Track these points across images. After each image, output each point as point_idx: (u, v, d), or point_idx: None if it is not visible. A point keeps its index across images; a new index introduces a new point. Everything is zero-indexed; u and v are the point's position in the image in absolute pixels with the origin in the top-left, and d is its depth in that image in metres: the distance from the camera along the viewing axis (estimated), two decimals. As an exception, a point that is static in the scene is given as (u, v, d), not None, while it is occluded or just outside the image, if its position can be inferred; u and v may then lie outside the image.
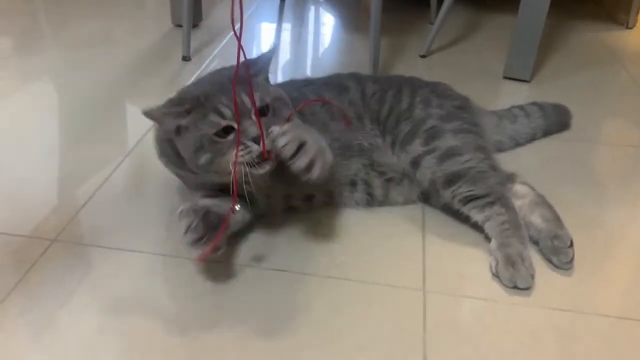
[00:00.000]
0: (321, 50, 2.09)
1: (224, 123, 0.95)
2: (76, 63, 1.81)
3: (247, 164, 0.94)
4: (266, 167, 0.96)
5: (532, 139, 1.44)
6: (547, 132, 1.47)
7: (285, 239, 1.10)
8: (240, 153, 0.94)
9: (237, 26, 0.88)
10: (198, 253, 0.95)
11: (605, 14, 2.42)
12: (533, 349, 0.90)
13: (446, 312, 0.96)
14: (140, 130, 1.38)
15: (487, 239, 1.09)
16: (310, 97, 1.21)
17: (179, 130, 0.99)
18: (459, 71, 1.87)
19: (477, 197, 1.09)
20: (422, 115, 1.19)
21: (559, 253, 1.05)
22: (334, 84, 1.27)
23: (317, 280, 1.01)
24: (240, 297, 0.97)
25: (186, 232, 0.94)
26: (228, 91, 0.94)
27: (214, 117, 0.95)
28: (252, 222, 1.11)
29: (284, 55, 2.01)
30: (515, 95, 1.72)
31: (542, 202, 1.13)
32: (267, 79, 1.07)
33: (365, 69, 1.70)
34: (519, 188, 1.15)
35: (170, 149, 1.04)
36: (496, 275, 1.02)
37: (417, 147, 1.15)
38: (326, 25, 2.33)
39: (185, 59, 1.83)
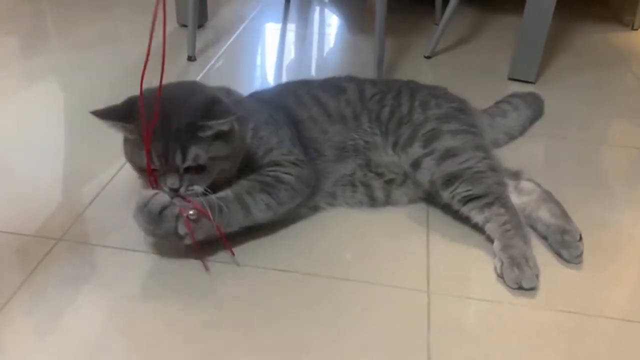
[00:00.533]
0: (326, 50, 2.09)
1: (152, 166, 0.98)
2: (81, 63, 1.82)
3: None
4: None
5: (524, 130, 1.47)
6: (532, 121, 1.52)
7: (289, 239, 1.10)
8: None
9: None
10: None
11: (611, 15, 2.41)
12: (538, 351, 0.90)
13: (450, 313, 0.96)
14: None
15: (489, 239, 1.09)
16: (305, 99, 1.23)
17: (125, 138, 1.03)
18: (463, 72, 1.87)
19: (475, 197, 1.10)
20: (421, 118, 1.20)
21: (569, 247, 1.06)
22: (331, 84, 1.28)
23: (321, 281, 1.01)
24: (243, 297, 0.97)
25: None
26: (170, 140, 0.95)
27: (140, 155, 0.98)
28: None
29: (289, 55, 2.01)
30: (520, 96, 1.71)
31: (549, 198, 1.14)
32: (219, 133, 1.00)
33: (370, 70, 1.70)
34: (525, 184, 1.16)
35: None
36: (501, 276, 1.02)
37: (416, 149, 1.16)
38: (331, 26, 2.33)
39: (191, 59, 1.84)
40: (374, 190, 1.19)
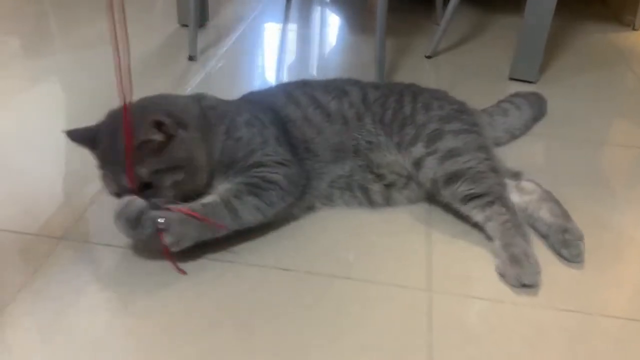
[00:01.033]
0: (327, 50, 2.09)
1: (112, 192, 1.04)
2: (83, 63, 1.82)
3: None
4: None
5: (525, 129, 1.48)
6: (535, 120, 1.52)
7: (289, 238, 1.11)
8: None
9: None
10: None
11: (612, 15, 2.41)
12: (539, 350, 0.90)
13: (452, 312, 0.96)
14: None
15: (490, 239, 1.09)
16: (300, 99, 1.23)
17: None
18: (464, 72, 1.87)
19: (476, 196, 1.10)
20: (424, 119, 1.21)
21: (570, 246, 1.06)
22: (334, 87, 1.28)
23: (322, 280, 1.01)
24: (244, 296, 0.97)
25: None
26: (115, 164, 1.00)
27: (104, 183, 1.04)
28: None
29: (290, 55, 2.02)
30: (521, 96, 1.72)
31: (549, 197, 1.14)
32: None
33: (371, 70, 1.71)
34: (526, 184, 1.17)
35: None
36: (502, 275, 1.02)
37: (420, 149, 1.16)
38: (332, 26, 2.33)
39: (192, 58, 1.84)
40: (373, 194, 1.19)
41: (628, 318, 0.96)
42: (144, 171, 0.99)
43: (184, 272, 1.00)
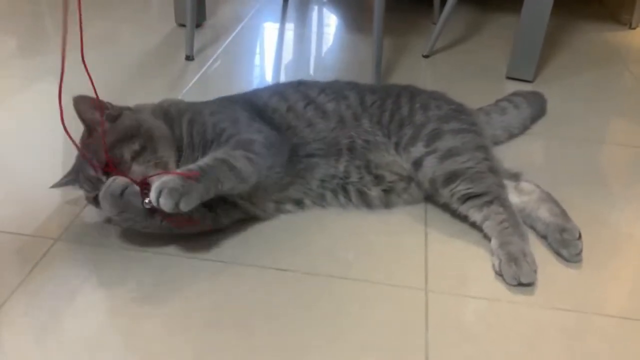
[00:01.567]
0: (324, 50, 2.09)
1: (92, 195, 1.05)
2: (80, 63, 1.81)
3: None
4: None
5: (524, 128, 1.48)
6: (533, 119, 1.52)
7: (287, 239, 1.10)
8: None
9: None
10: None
11: (609, 14, 2.42)
12: (537, 349, 0.90)
13: (449, 311, 0.96)
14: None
15: (488, 238, 1.09)
16: (289, 95, 1.23)
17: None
18: (461, 71, 1.87)
19: (475, 196, 1.10)
20: (423, 119, 1.21)
21: (569, 245, 1.06)
22: (332, 90, 1.27)
23: (320, 280, 1.01)
24: (242, 297, 0.97)
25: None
26: (83, 165, 1.05)
27: (85, 192, 1.07)
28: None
29: (287, 55, 2.01)
30: (518, 95, 1.72)
31: (548, 198, 1.14)
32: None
33: (368, 69, 1.70)
34: (524, 185, 1.17)
35: None
36: (500, 274, 1.02)
37: (419, 148, 1.16)
38: (329, 25, 2.33)
39: (189, 58, 1.84)
40: (371, 199, 1.18)
41: (625, 317, 0.96)
42: (100, 154, 1.02)
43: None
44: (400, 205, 1.20)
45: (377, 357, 0.87)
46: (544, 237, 1.11)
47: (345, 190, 1.18)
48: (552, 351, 0.90)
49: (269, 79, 1.83)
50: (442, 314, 0.95)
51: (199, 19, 2.09)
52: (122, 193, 0.98)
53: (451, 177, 1.12)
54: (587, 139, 1.50)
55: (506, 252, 1.02)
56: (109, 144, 1.02)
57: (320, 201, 1.19)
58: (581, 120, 1.58)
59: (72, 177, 1.09)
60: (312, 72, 1.89)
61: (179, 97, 1.52)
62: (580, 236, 1.06)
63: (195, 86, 1.68)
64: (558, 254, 1.07)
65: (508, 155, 1.32)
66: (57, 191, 1.22)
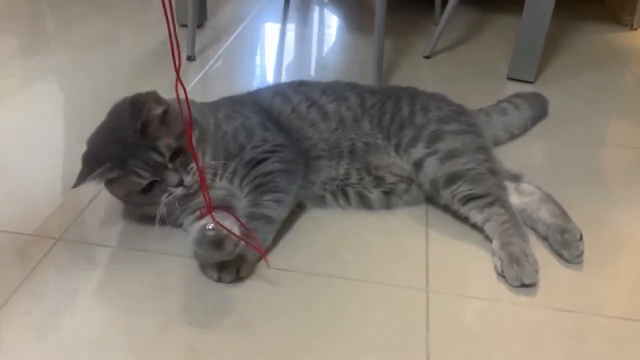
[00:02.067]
0: (325, 50, 2.09)
1: (145, 182, 1.01)
2: (81, 63, 1.82)
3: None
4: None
5: (524, 129, 1.48)
6: (535, 121, 1.52)
7: (287, 239, 1.10)
8: (166, 200, 1.02)
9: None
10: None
11: (610, 15, 2.41)
12: (537, 350, 0.90)
13: (449, 312, 0.96)
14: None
15: (489, 239, 1.09)
16: (291, 95, 1.24)
17: (109, 181, 1.04)
18: (462, 72, 1.87)
19: (476, 197, 1.10)
20: (423, 121, 1.21)
21: (570, 246, 1.06)
22: (332, 91, 1.27)
23: (320, 280, 1.01)
24: (243, 297, 0.97)
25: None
26: (138, 151, 0.99)
27: (135, 179, 1.01)
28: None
29: (288, 55, 2.01)
30: (519, 96, 1.72)
31: (549, 199, 1.14)
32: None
33: (369, 70, 1.70)
34: (525, 186, 1.17)
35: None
36: (502, 275, 1.02)
37: (420, 149, 1.16)
38: (330, 26, 2.33)
39: (190, 58, 1.84)
40: (372, 201, 1.18)
41: (625, 318, 0.96)
42: (170, 140, 1.00)
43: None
44: (401, 206, 1.20)
45: (377, 358, 0.87)
46: (544, 239, 1.11)
47: (344, 193, 1.18)
48: (552, 352, 0.90)
49: (270, 79, 1.83)
50: (443, 314, 0.95)
51: (200, 19, 2.09)
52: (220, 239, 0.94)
53: (452, 179, 1.12)
54: (588, 140, 1.50)
55: (508, 253, 1.02)
56: (175, 133, 1.01)
57: (319, 203, 1.19)
58: (582, 121, 1.58)
59: (109, 166, 1.00)
60: (313, 72, 1.89)
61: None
62: (581, 237, 1.06)
63: (197, 86, 1.68)
64: (559, 255, 1.07)
65: (509, 156, 1.32)
66: (58, 191, 1.22)
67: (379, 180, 1.18)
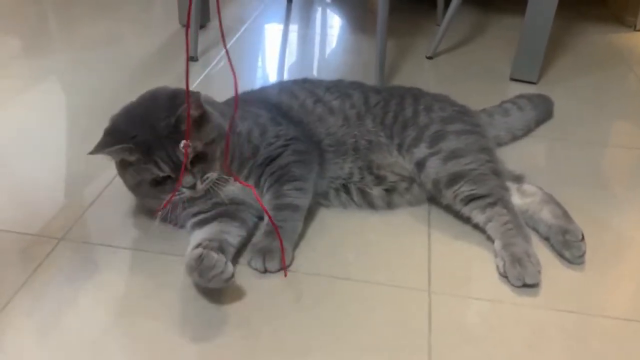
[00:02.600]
0: (328, 51, 2.09)
1: (161, 175, 1.01)
2: (84, 63, 1.82)
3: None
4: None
5: (528, 130, 1.48)
6: (538, 122, 1.52)
7: (291, 239, 1.10)
8: (174, 198, 1.03)
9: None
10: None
11: (613, 16, 2.41)
12: (539, 351, 0.90)
13: (452, 313, 0.96)
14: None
15: (490, 239, 1.09)
16: (297, 92, 1.25)
17: (122, 162, 1.04)
18: (465, 72, 1.87)
19: (478, 197, 1.10)
20: (426, 121, 1.21)
21: (571, 247, 1.06)
22: (336, 88, 1.28)
23: (322, 280, 1.01)
24: (245, 297, 0.97)
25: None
26: (165, 144, 0.99)
27: (153, 169, 1.00)
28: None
29: (291, 56, 2.02)
30: (522, 96, 1.71)
31: (550, 200, 1.14)
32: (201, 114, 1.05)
33: (372, 70, 1.70)
34: (527, 187, 1.17)
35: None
36: (504, 275, 1.02)
37: (422, 149, 1.17)
38: (333, 27, 2.33)
39: (193, 59, 1.84)
40: (373, 198, 1.18)
41: (628, 319, 0.96)
42: (197, 143, 1.01)
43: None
44: (403, 206, 1.20)
45: (378, 358, 0.87)
46: (546, 239, 1.10)
47: (346, 189, 1.18)
48: (555, 353, 0.90)
49: (272, 80, 1.83)
50: (445, 315, 0.95)
51: (203, 20, 2.09)
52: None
53: (454, 179, 1.12)
54: (591, 141, 1.49)
55: (510, 254, 1.02)
56: (205, 140, 1.03)
57: (322, 199, 1.19)
58: (585, 122, 1.58)
59: (131, 147, 0.99)
60: (315, 73, 1.89)
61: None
62: (583, 238, 1.06)
63: (199, 87, 1.68)
64: (561, 255, 1.07)
65: (511, 157, 1.32)
66: (61, 191, 1.23)
67: (380, 179, 1.19)
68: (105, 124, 1.03)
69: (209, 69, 1.80)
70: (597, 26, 2.30)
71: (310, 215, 1.16)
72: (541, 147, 1.46)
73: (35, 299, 0.95)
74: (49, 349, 0.87)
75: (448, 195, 1.13)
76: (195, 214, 1.07)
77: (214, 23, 2.16)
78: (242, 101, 1.23)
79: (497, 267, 1.04)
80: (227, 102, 1.24)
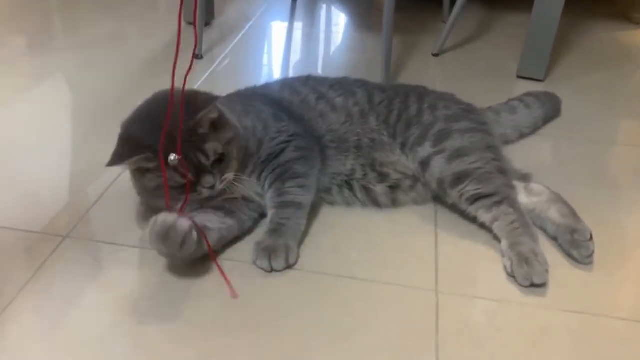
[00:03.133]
0: (333, 49, 2.09)
1: (185, 180, 1.00)
2: (89, 61, 1.82)
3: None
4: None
5: (535, 128, 1.47)
6: (546, 120, 1.51)
7: (296, 238, 1.10)
8: (194, 197, 1.02)
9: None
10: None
11: (620, 14, 2.40)
12: (546, 351, 0.89)
13: (459, 313, 0.95)
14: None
15: (497, 239, 1.08)
16: (299, 88, 1.25)
17: (139, 168, 1.02)
18: (471, 70, 1.86)
19: (484, 196, 1.09)
20: (431, 119, 1.20)
21: (580, 247, 1.05)
22: (340, 86, 1.28)
23: (327, 279, 1.01)
24: (249, 296, 0.97)
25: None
26: (185, 149, 0.97)
27: (175, 176, 0.99)
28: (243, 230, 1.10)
29: (295, 54, 2.01)
30: (528, 94, 1.70)
31: (558, 199, 1.13)
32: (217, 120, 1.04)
33: (377, 68, 1.70)
34: (534, 186, 1.16)
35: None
36: (512, 275, 1.01)
37: (427, 148, 1.16)
38: (338, 24, 2.32)
39: (198, 57, 1.84)
40: (377, 195, 1.18)
41: (636, 320, 0.95)
42: (217, 145, 1.01)
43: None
44: (408, 204, 1.19)
45: (384, 358, 0.87)
46: (554, 239, 1.10)
47: (350, 186, 1.18)
48: (562, 353, 0.89)
49: (277, 77, 1.82)
50: (453, 315, 0.94)
51: (208, 18, 2.09)
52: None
53: (460, 178, 1.11)
54: (598, 139, 1.48)
55: (517, 253, 1.01)
56: (224, 141, 1.03)
57: (325, 195, 1.18)
58: (592, 120, 1.57)
59: (150, 156, 0.97)
60: (320, 71, 1.88)
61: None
62: (591, 237, 1.05)
63: (204, 84, 1.68)
64: (569, 255, 1.06)
65: (517, 155, 1.31)
66: (66, 189, 1.22)
67: (383, 176, 1.18)
68: (109, 122, 1.03)
69: (214, 66, 1.80)
70: (604, 24, 2.29)
71: (314, 212, 1.15)
72: (547, 146, 1.45)
73: (39, 296, 0.95)
74: (53, 347, 0.87)
75: (453, 195, 1.12)
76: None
77: (218, 21, 2.16)
78: (245, 96, 1.24)
79: (505, 267, 1.03)
80: (229, 97, 1.24)
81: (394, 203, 1.19)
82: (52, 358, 0.85)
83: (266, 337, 0.89)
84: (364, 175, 1.18)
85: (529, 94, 1.50)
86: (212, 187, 1.02)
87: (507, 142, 1.38)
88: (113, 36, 2.04)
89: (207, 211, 1.05)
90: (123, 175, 1.24)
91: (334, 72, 1.39)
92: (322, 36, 2.18)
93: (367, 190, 1.18)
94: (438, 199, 1.19)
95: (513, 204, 1.09)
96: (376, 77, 1.65)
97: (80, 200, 1.18)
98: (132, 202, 1.16)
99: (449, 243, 1.10)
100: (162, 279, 1.00)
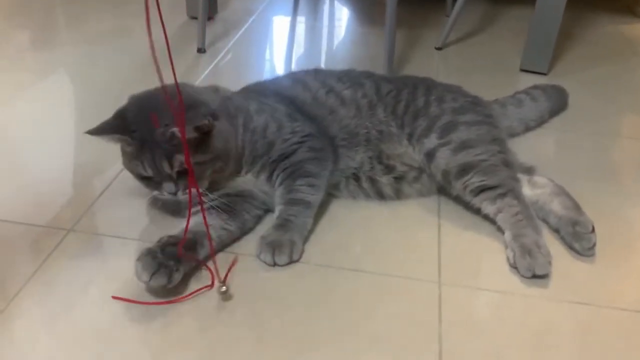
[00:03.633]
0: (336, 43, 2.08)
1: (144, 174, 1.02)
2: (92, 56, 1.82)
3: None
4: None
5: (541, 121, 1.46)
6: (552, 113, 1.50)
7: (300, 231, 1.10)
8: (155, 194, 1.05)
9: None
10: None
11: (624, 7, 2.38)
12: (548, 342, 0.89)
13: (462, 304, 0.96)
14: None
15: (500, 230, 1.08)
16: (309, 83, 1.24)
17: (122, 148, 1.05)
18: (475, 63, 1.86)
19: (488, 188, 1.10)
20: (437, 111, 1.20)
21: (581, 239, 1.05)
22: (348, 78, 1.28)
23: (332, 272, 1.01)
24: (254, 288, 0.97)
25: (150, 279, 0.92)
26: (155, 150, 0.98)
27: (139, 167, 1.01)
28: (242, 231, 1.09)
29: (298, 48, 2.01)
30: (532, 88, 1.70)
31: (561, 191, 1.13)
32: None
33: (381, 62, 1.70)
34: (538, 179, 1.16)
35: None
36: (514, 266, 1.01)
37: (433, 140, 1.16)
38: (341, 19, 2.32)
39: (201, 51, 1.84)
40: (382, 186, 1.18)
41: (638, 310, 0.95)
42: (184, 160, 0.98)
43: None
44: (412, 196, 1.19)
45: (390, 350, 0.87)
46: (556, 231, 1.10)
47: (356, 178, 1.18)
48: (564, 344, 0.89)
49: (280, 72, 1.82)
50: (456, 307, 0.95)
51: (211, 12, 2.09)
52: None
53: (465, 169, 1.11)
54: (601, 132, 1.48)
55: (520, 244, 1.01)
56: (196, 161, 1.00)
57: (332, 189, 1.18)
58: (596, 113, 1.57)
59: (128, 140, 1.00)
60: (323, 65, 1.88)
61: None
62: (593, 229, 1.05)
63: (207, 79, 1.68)
64: (571, 247, 1.06)
65: (521, 148, 1.30)
66: (70, 183, 1.23)
67: (389, 169, 1.18)
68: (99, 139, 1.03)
69: (217, 60, 1.80)
70: (608, 17, 2.28)
71: (319, 206, 1.15)
72: (551, 139, 1.45)
73: (44, 289, 0.95)
74: (59, 339, 0.87)
75: (458, 186, 1.12)
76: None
77: (221, 15, 2.16)
78: (257, 93, 1.23)
79: (508, 258, 1.03)
80: (244, 91, 1.24)
81: (398, 194, 1.19)
82: (57, 349, 0.86)
83: (272, 330, 0.90)
84: (371, 167, 1.18)
85: (536, 87, 1.49)
86: (175, 195, 1.02)
87: (513, 134, 1.38)
88: (116, 31, 2.04)
89: (211, 212, 1.04)
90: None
91: (337, 67, 1.39)
92: (325, 30, 2.17)
93: (372, 181, 1.18)
94: (442, 190, 1.19)
95: (517, 196, 1.09)
96: (379, 71, 1.63)
97: (84, 194, 1.18)
98: (136, 195, 1.17)
99: (452, 235, 1.10)
100: (166, 271, 1.00)
